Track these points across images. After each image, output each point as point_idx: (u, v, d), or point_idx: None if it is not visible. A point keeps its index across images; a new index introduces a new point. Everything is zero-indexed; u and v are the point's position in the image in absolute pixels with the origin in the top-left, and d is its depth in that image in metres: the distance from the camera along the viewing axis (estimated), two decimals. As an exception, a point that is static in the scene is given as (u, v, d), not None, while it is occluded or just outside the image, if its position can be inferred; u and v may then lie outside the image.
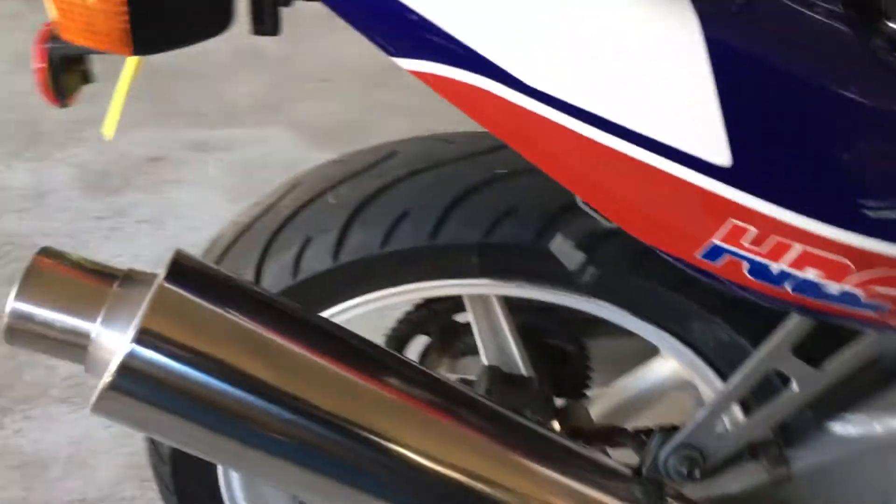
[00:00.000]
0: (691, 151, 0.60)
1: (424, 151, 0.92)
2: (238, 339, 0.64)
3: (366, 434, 0.67)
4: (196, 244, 1.01)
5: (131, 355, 0.61)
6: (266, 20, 0.64)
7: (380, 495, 0.69)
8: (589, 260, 0.85)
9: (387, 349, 0.78)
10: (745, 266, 0.65)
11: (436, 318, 1.18)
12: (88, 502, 1.63)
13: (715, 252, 0.65)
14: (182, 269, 0.65)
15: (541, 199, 0.86)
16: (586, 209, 0.69)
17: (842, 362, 0.77)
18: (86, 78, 0.78)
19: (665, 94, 0.60)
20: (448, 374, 1.15)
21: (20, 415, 1.77)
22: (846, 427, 0.86)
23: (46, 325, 0.63)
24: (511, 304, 1.01)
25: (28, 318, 0.62)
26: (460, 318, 1.15)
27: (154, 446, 1.08)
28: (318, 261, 0.90)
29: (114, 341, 0.62)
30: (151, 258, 1.96)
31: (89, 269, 0.65)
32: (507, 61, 0.58)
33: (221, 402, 0.64)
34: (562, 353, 1.23)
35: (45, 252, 0.65)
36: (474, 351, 1.16)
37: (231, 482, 1.10)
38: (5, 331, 0.62)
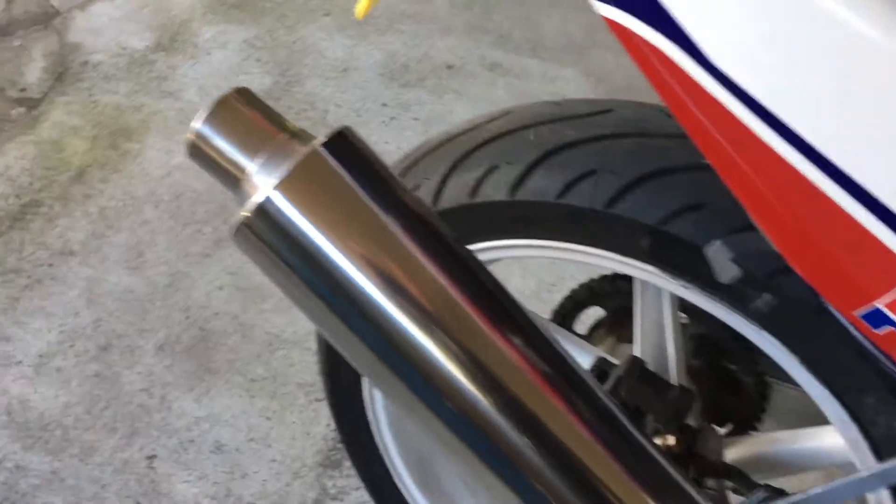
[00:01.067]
0: (889, 204, 0.51)
1: (638, 117, 0.87)
2: (365, 229, 0.67)
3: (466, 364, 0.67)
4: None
5: (267, 202, 0.67)
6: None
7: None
8: (762, 286, 0.76)
9: (520, 306, 0.75)
10: (909, 343, 0.54)
11: (616, 295, 1.13)
12: (282, 339, 1.82)
13: (876, 317, 0.55)
14: (342, 143, 0.69)
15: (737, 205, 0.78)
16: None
17: None
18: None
19: (884, 135, 0.51)
20: (606, 353, 1.11)
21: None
22: None
23: (217, 150, 0.70)
24: (695, 311, 0.94)
25: (205, 140, 0.70)
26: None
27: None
28: (496, 190, 0.90)
29: (261, 183, 0.68)
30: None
31: (269, 115, 0.71)
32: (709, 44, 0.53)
33: (333, 276, 0.68)
34: (736, 381, 1.13)
35: (240, 91, 0.72)
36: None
37: (380, 422, 1.16)
38: (188, 145, 0.71)
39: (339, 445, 1.64)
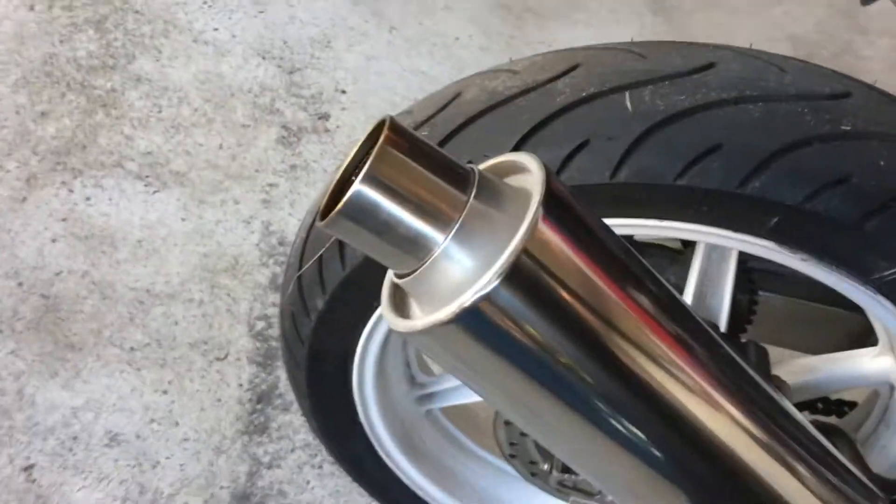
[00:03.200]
0: None
1: (751, 74, 0.76)
2: (594, 303, 0.52)
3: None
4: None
5: (489, 299, 0.49)
6: None
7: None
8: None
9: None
10: None
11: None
12: (153, 294, 1.54)
13: None
14: (558, 203, 0.51)
15: (883, 173, 0.72)
16: None
17: None
18: None
19: None
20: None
21: (91, 181, 1.63)
22: None
23: (387, 220, 0.49)
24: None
25: (370, 207, 0.49)
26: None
27: (290, 350, 0.99)
28: (590, 171, 0.76)
29: (465, 270, 0.50)
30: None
31: (444, 163, 0.51)
32: None
33: (561, 366, 0.53)
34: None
35: (395, 129, 0.50)
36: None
37: (367, 399, 1.04)
38: (337, 214, 0.49)
39: (260, 406, 1.46)
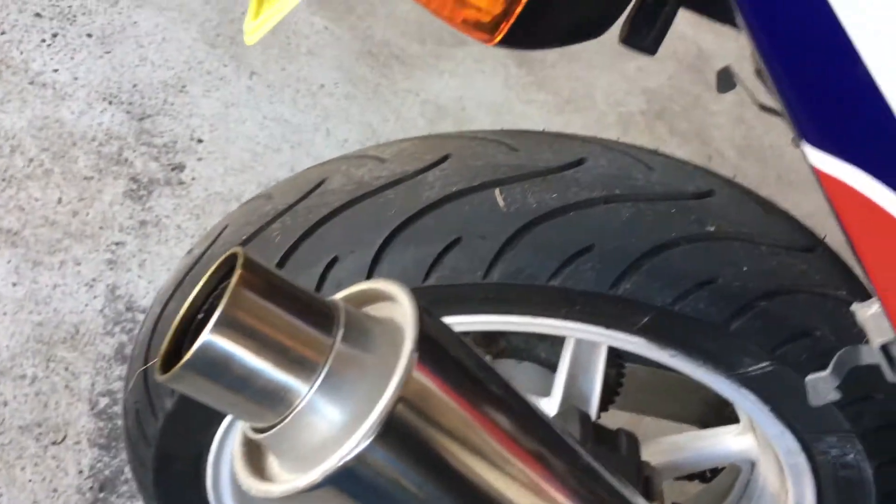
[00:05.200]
0: None
1: (620, 171, 0.75)
2: (472, 447, 0.48)
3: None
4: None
5: (363, 455, 0.44)
6: (645, 33, 0.45)
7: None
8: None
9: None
10: None
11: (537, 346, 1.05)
12: (-20, 367, 1.37)
13: None
14: (432, 345, 0.47)
15: (746, 275, 0.73)
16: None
17: None
18: None
19: None
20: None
21: None
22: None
23: (242, 373, 0.43)
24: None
25: (221, 358, 0.43)
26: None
27: (134, 449, 0.90)
28: (463, 271, 0.73)
29: (332, 424, 0.44)
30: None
31: (305, 302, 0.46)
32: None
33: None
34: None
35: (250, 266, 0.44)
36: (513, 355, 1.05)
37: (223, 501, 0.96)
38: (182, 368, 0.42)
39: (103, 495, 1.32)
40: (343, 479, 0.44)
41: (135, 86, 1.77)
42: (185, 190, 1.65)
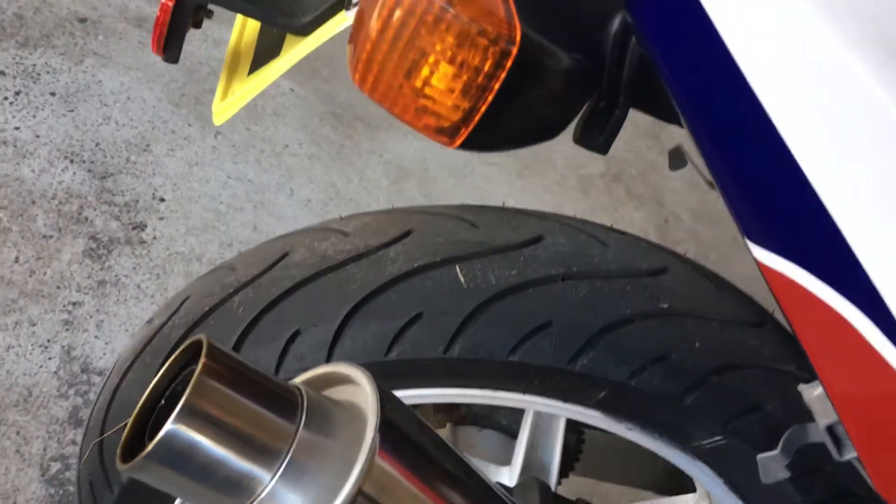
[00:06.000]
0: None
1: (577, 249, 0.78)
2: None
3: None
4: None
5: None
6: (597, 134, 0.47)
7: None
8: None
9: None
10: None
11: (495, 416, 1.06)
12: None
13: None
14: (392, 428, 0.48)
15: (699, 351, 0.76)
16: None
17: None
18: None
19: None
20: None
21: None
22: None
23: (205, 462, 0.44)
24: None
25: (185, 448, 0.43)
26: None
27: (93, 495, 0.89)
28: (424, 345, 0.74)
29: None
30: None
31: (268, 389, 0.46)
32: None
33: None
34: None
35: (214, 355, 0.45)
36: (474, 422, 1.06)
37: None
38: (145, 459, 0.43)
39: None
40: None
41: (97, 144, 1.77)
42: (145, 249, 1.64)
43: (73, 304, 1.52)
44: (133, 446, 0.45)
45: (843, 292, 0.47)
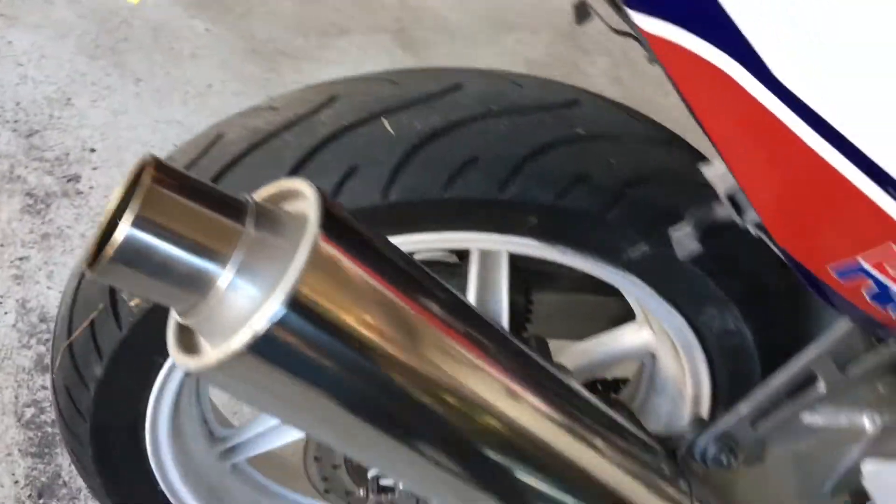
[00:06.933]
0: (886, 167, 0.57)
1: (495, 91, 0.83)
2: (386, 315, 0.55)
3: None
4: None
5: (281, 322, 0.49)
6: None
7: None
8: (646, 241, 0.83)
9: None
10: (871, 290, 0.66)
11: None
12: None
13: (850, 270, 0.65)
14: (335, 223, 0.53)
15: (615, 169, 0.82)
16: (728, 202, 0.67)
17: (863, 367, 0.84)
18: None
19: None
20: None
21: None
22: (815, 417, 0.94)
23: (163, 260, 0.48)
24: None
25: (143, 249, 0.47)
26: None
27: (70, 429, 0.92)
28: (362, 194, 0.79)
29: (252, 299, 0.50)
30: None
31: (215, 196, 0.51)
32: (772, 55, 0.53)
33: (363, 380, 0.54)
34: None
35: (158, 166, 0.49)
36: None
37: (165, 466, 0.99)
38: (107, 261, 0.47)
39: (42, 501, 1.32)
40: (264, 344, 0.49)
41: (18, 104, 1.75)
42: (83, 199, 1.65)
43: (20, 258, 1.53)
44: (99, 257, 0.49)
45: (715, 42, 0.53)
